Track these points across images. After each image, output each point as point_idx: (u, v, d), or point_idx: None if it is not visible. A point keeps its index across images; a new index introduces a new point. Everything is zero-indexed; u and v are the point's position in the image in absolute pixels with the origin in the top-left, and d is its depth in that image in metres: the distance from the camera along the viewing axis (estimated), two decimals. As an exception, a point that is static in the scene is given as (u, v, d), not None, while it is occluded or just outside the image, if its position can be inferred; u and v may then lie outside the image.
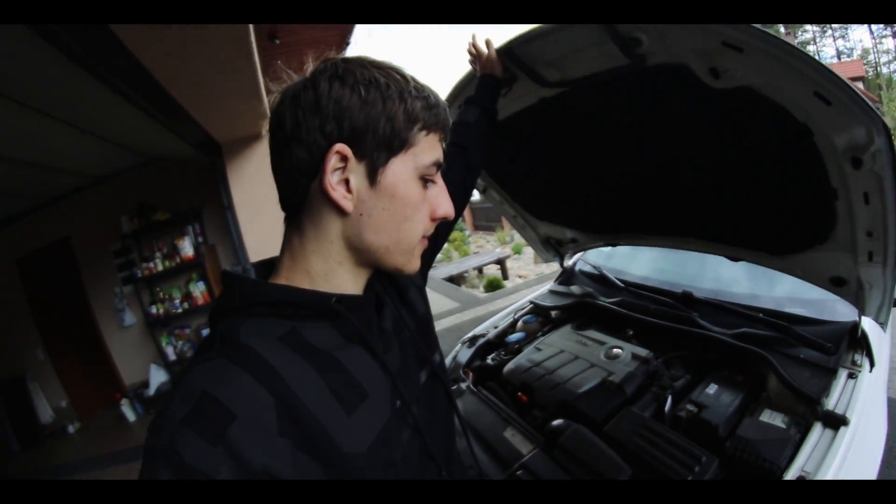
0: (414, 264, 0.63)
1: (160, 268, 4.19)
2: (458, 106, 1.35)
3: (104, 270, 4.28)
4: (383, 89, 0.55)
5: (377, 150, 0.55)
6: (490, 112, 1.14)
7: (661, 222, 1.67)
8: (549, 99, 1.30)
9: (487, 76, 1.17)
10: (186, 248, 4.19)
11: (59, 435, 4.29)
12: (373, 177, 0.56)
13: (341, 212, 0.56)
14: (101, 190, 4.20)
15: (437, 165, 0.60)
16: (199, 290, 4.29)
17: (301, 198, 0.58)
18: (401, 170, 0.57)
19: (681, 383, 1.40)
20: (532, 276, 8.07)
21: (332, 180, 0.54)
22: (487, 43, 1.18)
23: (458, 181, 0.99)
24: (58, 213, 4.21)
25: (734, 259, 1.47)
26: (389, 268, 0.62)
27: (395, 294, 0.75)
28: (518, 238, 11.05)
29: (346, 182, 0.55)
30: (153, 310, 4.22)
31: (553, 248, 2.25)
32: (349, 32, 4.02)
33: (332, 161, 0.54)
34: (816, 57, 0.80)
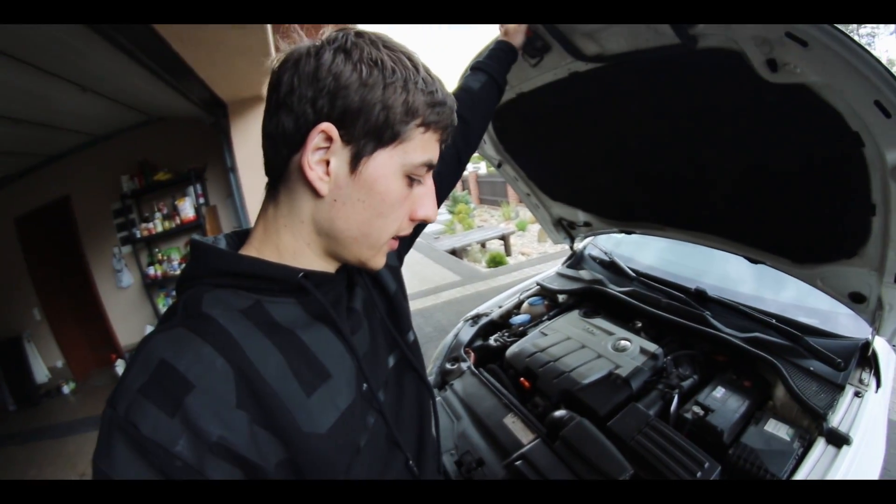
0: (378, 261, 0.61)
1: (159, 229, 4.13)
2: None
3: (103, 230, 4.22)
4: (388, 73, 0.51)
5: (365, 137, 0.52)
6: (499, 82, 1.04)
7: (683, 215, 1.62)
8: (581, 74, 1.22)
9: (504, 43, 1.06)
10: (187, 209, 4.12)
11: (54, 395, 4.34)
12: (355, 164, 0.53)
13: (316, 193, 0.54)
14: (102, 149, 4.10)
15: (429, 166, 0.57)
16: (198, 251, 4.24)
17: (281, 169, 0.56)
18: (385, 163, 0.54)
19: (688, 383, 1.39)
20: (535, 255, 8.11)
21: (312, 159, 0.52)
22: None
23: (452, 155, 0.93)
24: (57, 171, 4.12)
25: (754, 262, 1.43)
26: (353, 259, 0.60)
27: (366, 275, 0.73)
28: (523, 215, 11.03)
29: (327, 163, 0.53)
30: (151, 271, 4.19)
31: (564, 230, 2.21)
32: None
33: (316, 139, 0.51)
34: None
